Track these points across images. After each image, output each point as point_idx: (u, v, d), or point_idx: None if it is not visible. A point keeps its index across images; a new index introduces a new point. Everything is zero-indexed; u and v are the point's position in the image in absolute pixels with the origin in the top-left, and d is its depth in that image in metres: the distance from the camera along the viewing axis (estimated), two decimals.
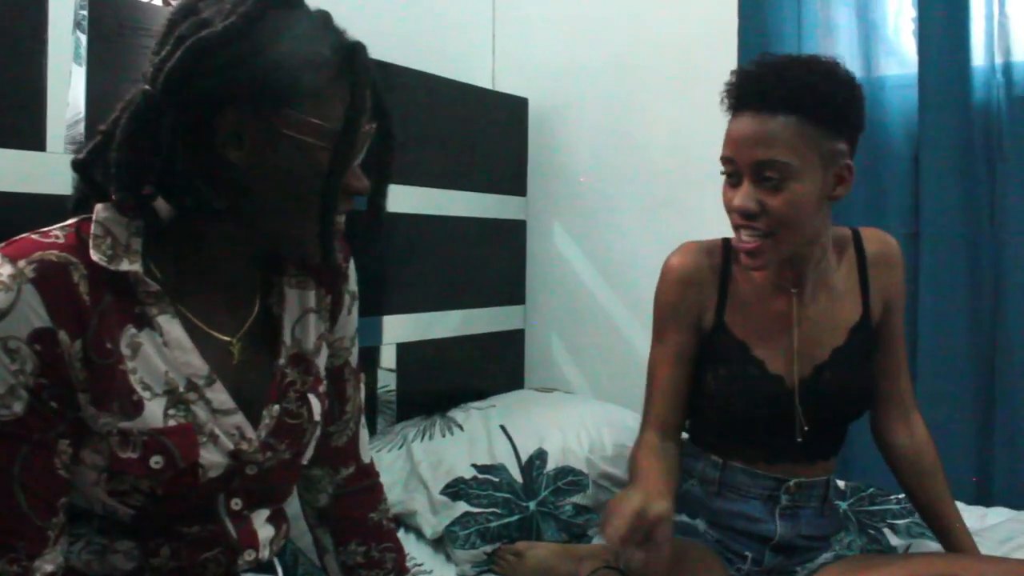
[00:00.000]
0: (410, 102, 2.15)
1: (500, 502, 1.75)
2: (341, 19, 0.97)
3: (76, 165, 0.94)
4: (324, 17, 0.95)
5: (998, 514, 1.85)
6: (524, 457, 1.85)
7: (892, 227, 1.98)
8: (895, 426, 1.56)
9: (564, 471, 1.86)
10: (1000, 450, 1.96)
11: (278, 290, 1.08)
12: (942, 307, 2.00)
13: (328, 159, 0.92)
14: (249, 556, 1.05)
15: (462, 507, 1.73)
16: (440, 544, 1.73)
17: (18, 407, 0.87)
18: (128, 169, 0.89)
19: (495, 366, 2.52)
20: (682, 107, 2.38)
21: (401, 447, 1.90)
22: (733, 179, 1.38)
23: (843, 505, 1.83)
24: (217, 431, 0.98)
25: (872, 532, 1.74)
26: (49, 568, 0.90)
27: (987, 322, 1.98)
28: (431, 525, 1.73)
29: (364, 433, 1.26)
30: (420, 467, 1.82)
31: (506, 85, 2.60)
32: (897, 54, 2.10)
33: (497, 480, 1.80)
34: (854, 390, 1.51)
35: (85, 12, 1.51)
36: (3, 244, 0.89)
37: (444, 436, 1.93)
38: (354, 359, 1.22)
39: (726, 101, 1.40)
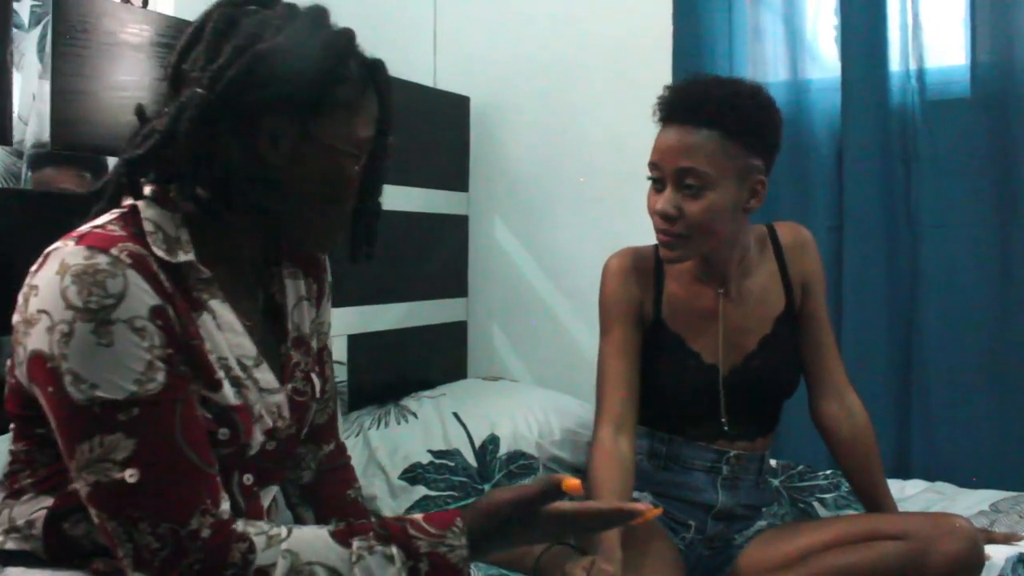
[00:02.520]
0: None
1: (457, 485, 1.83)
2: None
3: (134, 161, 0.99)
4: (351, 35, 1.04)
5: (915, 485, 2.01)
6: (477, 442, 1.94)
7: (817, 221, 2.14)
8: (831, 407, 1.68)
9: (515, 455, 1.95)
10: (916, 426, 2.12)
11: (278, 279, 1.16)
12: (863, 295, 2.15)
13: (354, 164, 1.03)
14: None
15: (421, 491, 1.81)
16: None
17: (161, 376, 0.91)
18: (194, 167, 0.97)
19: (439, 357, 2.59)
20: (619, 108, 2.48)
21: (358, 435, 1.96)
22: (658, 184, 1.52)
23: (775, 482, 1.96)
24: (263, 411, 1.05)
25: (802, 506, 1.87)
26: (227, 507, 0.94)
27: (904, 309, 2.14)
28: (391, 509, 1.79)
29: (339, 412, 1.33)
30: (378, 453, 1.88)
31: (448, 84, 2.66)
32: (821, 59, 2.25)
33: (453, 464, 1.87)
34: (781, 375, 1.64)
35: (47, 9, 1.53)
36: (72, 239, 0.93)
37: (399, 424, 2.00)
38: (331, 342, 1.29)
39: (658, 112, 1.53)
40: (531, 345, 2.65)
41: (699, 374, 1.61)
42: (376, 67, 1.04)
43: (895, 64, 2.13)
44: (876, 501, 1.65)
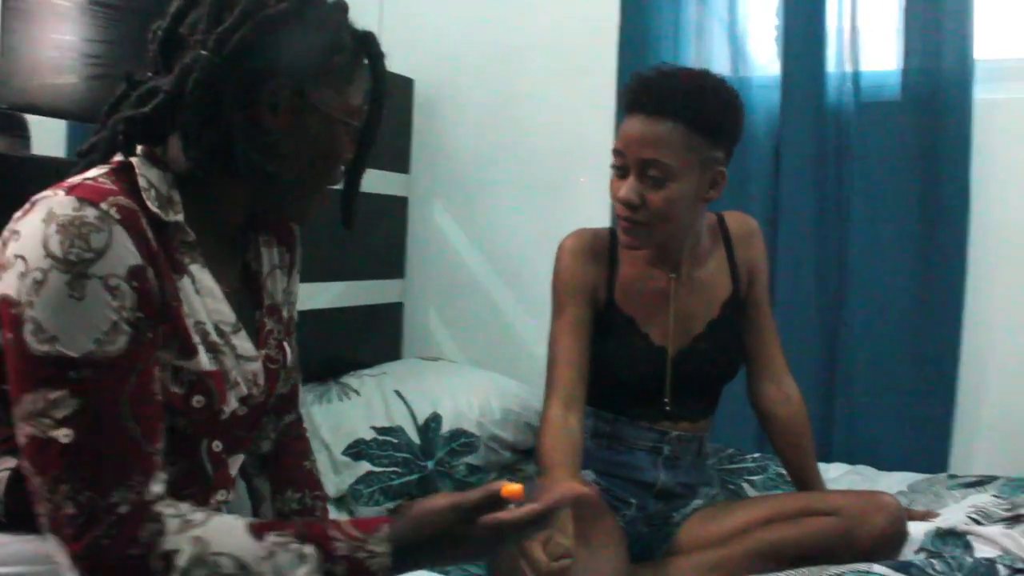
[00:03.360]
0: None
1: (400, 462, 1.85)
2: None
3: (140, 119, 0.99)
4: (345, 6, 1.07)
5: (838, 468, 2.10)
6: (420, 420, 1.96)
7: (754, 212, 2.18)
8: (769, 391, 1.75)
9: (457, 433, 1.98)
10: (839, 411, 2.22)
11: (255, 247, 1.16)
12: (794, 285, 2.24)
13: (347, 132, 1.06)
14: (220, 496, 1.10)
15: (365, 466, 1.82)
16: (342, 502, 1.81)
17: (122, 341, 0.90)
18: (198, 128, 0.97)
19: (374, 337, 2.59)
20: (564, 96, 2.53)
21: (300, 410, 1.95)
22: (621, 172, 1.56)
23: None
24: (239, 377, 1.05)
25: (732, 487, 1.94)
26: (159, 489, 0.92)
27: (832, 299, 2.24)
28: (334, 484, 1.80)
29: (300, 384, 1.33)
30: (321, 430, 1.88)
31: (392, 65, 2.64)
32: (762, 58, 2.33)
33: (396, 441, 1.89)
34: (726, 358, 1.71)
35: None
36: (63, 189, 0.92)
37: (341, 400, 2.00)
38: (295, 313, 1.29)
39: (623, 100, 1.57)
40: (467, 328, 2.67)
41: (648, 355, 1.66)
42: (369, 39, 1.08)
43: (832, 66, 2.22)
44: (807, 481, 1.73)
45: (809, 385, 2.18)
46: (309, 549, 0.93)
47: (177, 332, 0.98)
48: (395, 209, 2.65)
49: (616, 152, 1.55)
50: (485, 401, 2.08)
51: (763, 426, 1.79)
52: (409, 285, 2.71)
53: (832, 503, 1.60)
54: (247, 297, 1.14)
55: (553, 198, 2.55)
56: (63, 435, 0.88)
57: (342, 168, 1.11)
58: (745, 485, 1.97)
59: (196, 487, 1.06)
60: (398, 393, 2.01)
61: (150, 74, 1.04)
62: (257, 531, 0.93)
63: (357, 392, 2.03)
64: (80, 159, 1.06)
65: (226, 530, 0.93)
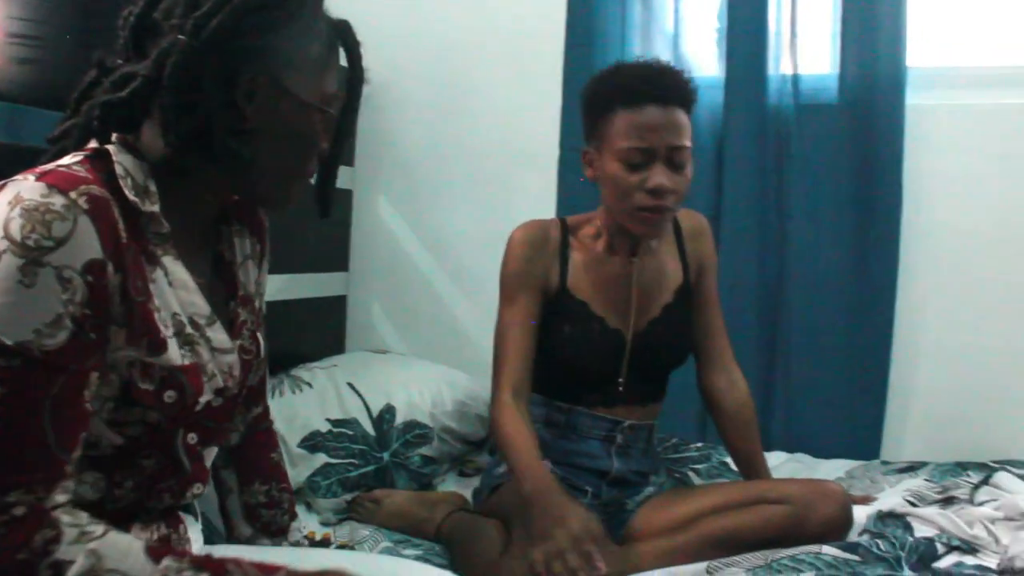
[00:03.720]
0: None
1: (357, 453, 1.86)
2: None
3: (116, 103, 0.97)
4: None
5: (777, 457, 2.17)
6: (375, 411, 1.96)
7: (697, 208, 2.25)
8: (718, 380, 1.83)
9: (411, 425, 1.99)
10: (778, 401, 2.30)
11: (227, 238, 1.16)
12: (737, 277, 2.31)
13: (322, 119, 1.06)
14: (197, 489, 1.11)
15: (322, 458, 1.82)
16: (299, 495, 1.80)
17: (62, 336, 0.88)
18: (176, 113, 0.96)
19: (318, 330, 2.58)
20: (509, 92, 2.56)
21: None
22: (639, 165, 1.60)
23: None
24: (215, 369, 1.05)
25: (678, 475, 2.00)
26: (62, 498, 0.89)
27: (772, 292, 2.33)
28: (291, 477, 1.77)
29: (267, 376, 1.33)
30: (276, 423, 1.86)
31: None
32: (706, 58, 2.40)
33: (352, 433, 1.89)
34: (679, 341, 1.78)
35: None
36: (34, 174, 0.91)
37: (294, 393, 1.99)
38: (264, 304, 1.29)
39: (625, 92, 1.62)
40: (411, 321, 2.69)
41: (603, 337, 1.72)
42: (344, 27, 1.08)
43: (773, 69, 2.29)
44: (754, 467, 1.80)
45: (749, 376, 2.21)
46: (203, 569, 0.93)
47: (145, 328, 0.97)
48: (339, 202, 2.63)
49: (636, 148, 1.59)
50: (436, 393, 2.10)
51: (711, 415, 1.86)
52: (353, 278, 2.70)
53: (782, 491, 1.66)
54: (220, 288, 1.13)
55: (498, 192, 2.58)
56: None
57: (318, 156, 1.10)
58: (690, 473, 2.03)
59: (173, 480, 1.06)
60: (351, 385, 2.01)
61: (120, 60, 1.03)
62: (154, 554, 0.91)
63: (309, 385, 2.02)
64: (51, 145, 1.03)
65: (123, 548, 0.91)
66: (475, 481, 2.04)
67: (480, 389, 2.19)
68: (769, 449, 2.22)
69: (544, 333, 1.71)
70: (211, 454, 1.13)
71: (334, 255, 2.65)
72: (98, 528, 0.90)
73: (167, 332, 0.99)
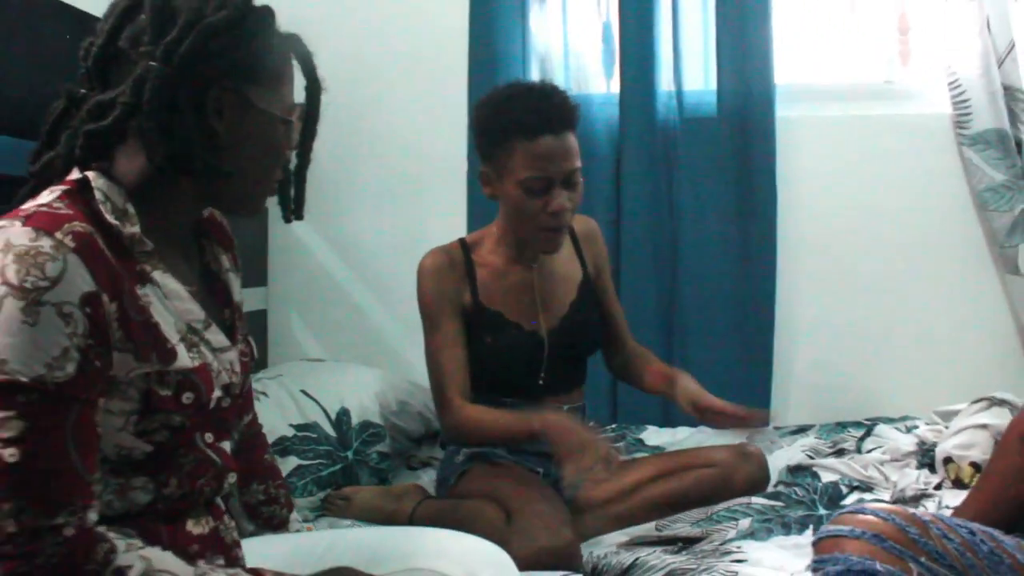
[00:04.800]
0: None
1: (324, 454, 1.98)
2: None
3: (99, 132, 1.03)
4: (272, 11, 1.13)
5: (683, 431, 2.43)
6: (332, 415, 2.09)
7: (598, 213, 2.49)
8: (623, 359, 2.07)
9: (366, 425, 2.13)
10: None
11: (210, 250, 1.23)
12: (635, 274, 2.56)
13: (285, 128, 1.12)
14: (231, 478, 1.18)
15: (293, 461, 1.93)
16: None
17: (71, 368, 0.93)
18: (160, 137, 1.01)
19: None
20: (415, 114, 2.71)
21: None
22: (539, 192, 1.76)
23: None
24: (219, 367, 1.11)
25: None
26: (95, 516, 0.95)
27: (667, 284, 2.58)
28: None
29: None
30: None
31: None
32: (601, 77, 2.65)
33: (315, 436, 2.02)
34: (591, 331, 1.98)
35: None
36: (15, 218, 0.96)
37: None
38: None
39: (520, 125, 1.75)
40: (330, 332, 2.79)
41: (521, 340, 1.89)
42: (295, 39, 1.15)
43: (662, 85, 2.55)
44: (672, 378, 1.96)
45: None
46: (237, 572, 1.03)
47: (153, 342, 1.02)
48: (256, 218, 2.72)
49: (535, 176, 1.74)
50: (382, 394, 2.24)
51: (631, 382, 2.08)
52: (272, 292, 2.79)
53: (709, 457, 1.92)
54: (209, 297, 1.18)
55: (409, 204, 2.73)
56: (9, 454, 0.90)
57: (283, 163, 1.16)
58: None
59: (209, 474, 1.12)
60: (305, 392, 2.12)
61: (84, 90, 1.07)
62: (187, 558, 1.00)
63: (265, 394, 2.11)
64: (33, 177, 1.08)
65: (162, 553, 0.98)
66: (422, 473, 2.21)
67: (416, 390, 2.36)
68: (674, 425, 2.49)
69: (469, 346, 1.86)
70: (228, 448, 1.19)
71: (253, 270, 2.72)
72: (136, 540, 0.98)
73: (173, 340, 1.05)
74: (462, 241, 1.95)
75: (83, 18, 1.80)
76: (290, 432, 2.00)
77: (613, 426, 2.47)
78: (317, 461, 1.96)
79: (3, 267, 0.92)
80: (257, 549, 1.22)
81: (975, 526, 1.09)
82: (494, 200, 1.87)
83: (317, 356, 2.75)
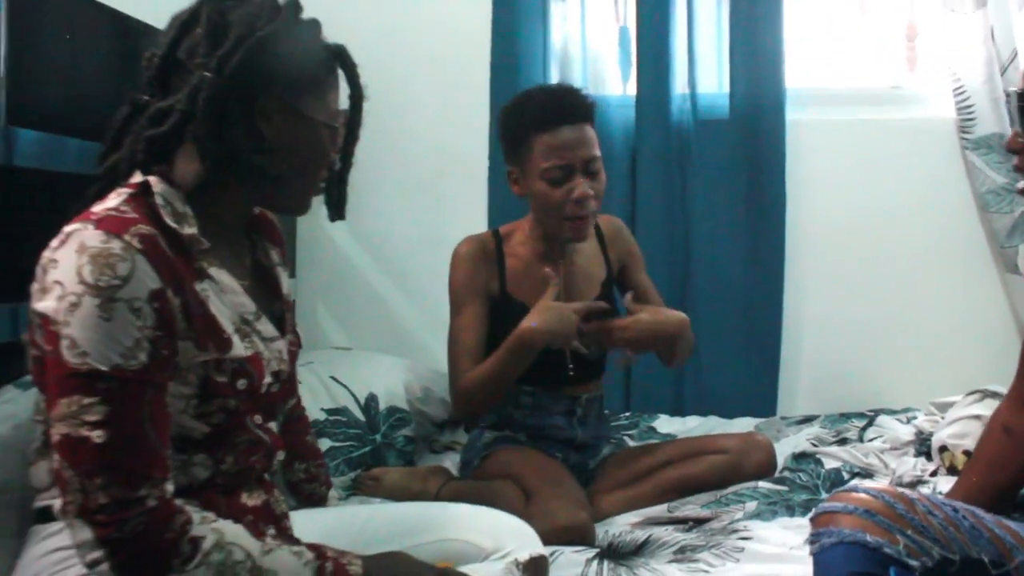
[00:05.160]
0: None
1: (354, 436, 2.10)
2: None
3: (159, 138, 1.12)
4: (319, 24, 1.24)
5: (693, 420, 2.53)
6: (361, 400, 2.21)
7: (615, 212, 2.58)
8: None
9: (393, 410, 2.25)
10: (689, 372, 2.61)
11: (261, 246, 1.33)
12: (650, 270, 2.55)
13: (330, 133, 1.21)
14: (280, 456, 1.30)
15: (327, 443, 2.05)
16: None
17: (143, 356, 1.03)
18: (212, 141, 1.11)
19: None
20: (438, 113, 2.80)
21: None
22: (560, 180, 1.87)
23: None
24: (270, 356, 1.22)
25: (615, 440, 2.34)
26: (172, 488, 1.06)
27: (680, 280, 2.67)
28: None
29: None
30: None
31: None
32: (618, 80, 2.75)
33: (346, 420, 2.14)
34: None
35: None
36: (87, 221, 1.05)
37: None
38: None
39: (538, 119, 1.88)
40: (356, 322, 2.90)
41: None
42: (341, 51, 1.23)
43: (676, 88, 2.64)
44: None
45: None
46: (302, 548, 1.11)
47: (211, 333, 1.12)
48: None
49: (555, 166, 1.86)
50: (407, 381, 2.36)
51: None
52: (300, 283, 2.90)
53: (720, 445, 2.02)
54: (260, 290, 1.28)
55: (433, 201, 2.82)
56: (96, 435, 1.00)
57: (328, 166, 1.25)
58: (626, 439, 2.36)
59: (260, 452, 1.23)
60: (335, 379, 2.23)
61: (146, 97, 1.16)
62: (255, 531, 1.10)
63: (299, 381, 2.24)
64: (102, 178, 1.18)
65: (232, 526, 1.08)
66: (445, 456, 2.33)
67: (437, 377, 2.47)
68: (684, 414, 2.59)
69: (495, 334, 1.95)
70: (275, 429, 1.30)
71: None
72: (210, 513, 1.08)
73: (229, 331, 1.15)
74: (495, 231, 2.06)
75: (117, 18, 1.89)
76: (322, 416, 2.11)
77: (627, 414, 2.57)
78: (348, 443, 2.08)
79: (79, 268, 1.02)
80: (300, 521, 1.33)
81: (958, 504, 1.19)
82: (523, 198, 1.98)
83: (343, 345, 2.86)
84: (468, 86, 2.78)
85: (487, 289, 1.98)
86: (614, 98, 2.72)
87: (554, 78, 2.72)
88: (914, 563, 1.09)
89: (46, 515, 1.14)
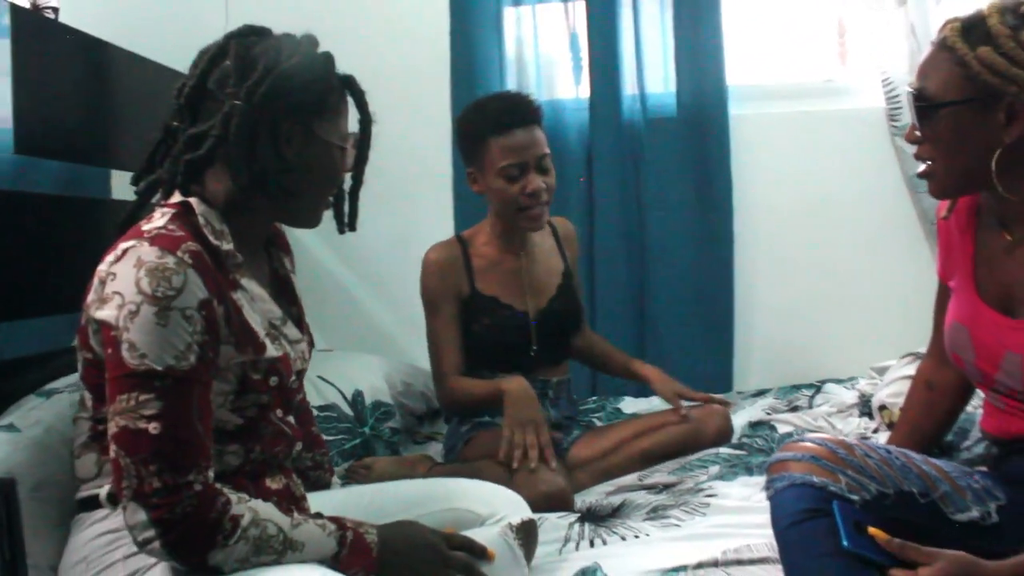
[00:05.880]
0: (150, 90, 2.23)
1: (344, 430, 2.25)
2: None
3: (197, 161, 1.24)
4: (332, 56, 1.37)
5: (656, 400, 2.63)
6: (348, 396, 2.35)
7: (573, 209, 2.76)
8: (577, 342, 2.34)
9: (378, 404, 2.40)
10: (649, 354, 2.72)
11: (276, 256, 1.47)
12: (609, 262, 2.83)
13: (343, 155, 1.34)
14: (299, 446, 1.44)
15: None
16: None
17: (193, 358, 1.16)
18: (244, 163, 1.23)
19: None
20: (404, 120, 2.86)
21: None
22: (515, 177, 2.06)
23: None
24: (295, 356, 1.37)
25: (585, 423, 2.50)
26: (213, 474, 1.19)
27: (637, 270, 2.84)
28: None
29: None
30: None
31: None
32: (571, 84, 2.90)
33: (335, 415, 2.28)
34: (574, 311, 2.28)
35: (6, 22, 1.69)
36: (141, 239, 1.18)
37: None
38: None
39: (494, 123, 2.07)
40: (332, 325, 3.00)
41: (514, 320, 2.18)
42: (350, 80, 1.37)
43: (627, 89, 2.80)
44: (631, 369, 2.31)
45: (623, 335, 2.75)
46: (324, 521, 1.24)
47: (248, 338, 1.25)
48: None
49: (511, 164, 2.05)
50: (388, 377, 2.51)
51: (587, 364, 2.42)
52: None
53: (679, 416, 2.19)
54: (279, 297, 1.41)
55: (401, 206, 2.92)
56: (152, 427, 1.13)
57: (339, 184, 1.38)
58: (595, 421, 2.53)
59: (283, 443, 1.37)
60: (322, 378, 2.37)
61: (176, 123, 1.29)
62: (283, 509, 1.23)
63: None
64: (142, 197, 1.31)
65: (264, 505, 1.21)
66: (427, 446, 2.48)
67: (416, 372, 2.63)
68: (647, 395, 2.74)
69: (468, 328, 2.16)
70: (293, 422, 1.42)
71: None
72: (244, 495, 1.20)
73: (261, 335, 1.28)
74: (459, 237, 2.24)
75: (90, 42, 1.98)
76: (313, 412, 2.24)
77: (594, 398, 2.72)
78: (339, 436, 2.22)
79: (138, 280, 1.15)
80: (313, 503, 1.45)
81: (892, 447, 1.38)
82: (482, 195, 2.16)
83: (322, 347, 2.98)
84: (431, 93, 2.91)
85: (457, 292, 2.16)
86: (568, 101, 2.88)
87: (510, 83, 2.87)
88: (855, 498, 1.26)
89: (91, 504, 1.27)
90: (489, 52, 2.87)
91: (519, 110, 2.10)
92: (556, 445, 2.18)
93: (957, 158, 1.33)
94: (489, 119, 2.09)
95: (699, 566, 1.45)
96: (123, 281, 1.17)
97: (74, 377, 1.59)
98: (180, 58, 2.01)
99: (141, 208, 1.31)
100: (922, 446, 1.49)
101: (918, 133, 1.36)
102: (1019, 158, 1.29)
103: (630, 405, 2.65)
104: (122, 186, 2.28)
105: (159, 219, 1.24)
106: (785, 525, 1.26)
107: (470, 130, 2.13)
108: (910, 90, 1.35)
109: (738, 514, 1.65)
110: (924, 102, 1.33)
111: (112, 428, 1.16)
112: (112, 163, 2.18)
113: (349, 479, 2.18)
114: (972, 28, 1.29)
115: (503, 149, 2.07)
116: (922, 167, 1.39)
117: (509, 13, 2.88)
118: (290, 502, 1.35)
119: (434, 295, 2.16)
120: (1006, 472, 1.41)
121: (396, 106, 2.96)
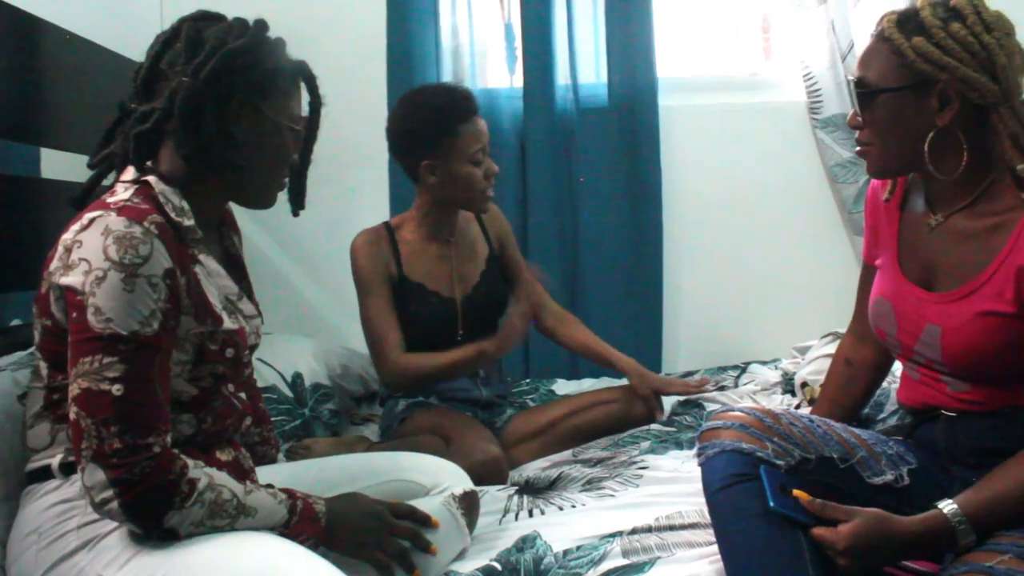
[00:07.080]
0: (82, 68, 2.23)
1: (284, 411, 2.26)
2: None
3: (144, 133, 1.28)
4: (283, 41, 1.41)
5: (589, 382, 2.76)
6: (288, 378, 2.37)
7: (507, 196, 2.81)
8: (547, 319, 2.42)
9: (317, 386, 2.42)
10: None
11: (227, 235, 1.51)
12: (542, 248, 2.88)
13: (292, 135, 1.39)
14: (248, 421, 1.48)
15: None
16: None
17: (156, 325, 1.20)
18: (186, 136, 1.27)
19: None
20: (342, 109, 2.90)
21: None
22: (480, 161, 2.15)
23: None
24: (249, 331, 1.42)
25: (518, 403, 2.56)
26: (170, 439, 1.23)
27: (570, 255, 2.92)
28: None
29: None
30: None
31: None
32: (505, 73, 2.96)
33: (276, 397, 2.29)
34: (499, 297, 2.30)
35: None
36: (107, 210, 1.21)
37: None
38: None
39: (459, 111, 2.14)
40: (268, 308, 2.98)
41: (441, 306, 2.23)
42: (303, 65, 1.43)
43: (560, 79, 2.86)
44: (603, 352, 2.38)
45: None
46: (275, 490, 1.29)
47: (206, 310, 1.30)
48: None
49: (479, 148, 2.14)
50: (325, 359, 2.54)
51: (560, 343, 2.44)
52: None
53: (610, 396, 2.30)
54: (232, 274, 1.45)
55: (336, 191, 2.93)
56: (115, 389, 1.16)
57: (290, 165, 1.42)
58: (528, 401, 2.59)
59: (233, 416, 1.41)
60: (261, 360, 2.38)
61: (133, 104, 1.33)
62: (236, 477, 1.27)
63: None
64: (96, 168, 1.34)
65: (218, 472, 1.25)
66: (365, 427, 2.51)
67: (352, 354, 2.66)
68: (581, 378, 2.82)
69: (399, 314, 2.19)
70: (244, 397, 1.48)
71: None
72: (200, 461, 1.24)
73: (218, 308, 1.33)
74: (387, 224, 2.28)
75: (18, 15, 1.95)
76: (259, 389, 2.26)
77: (528, 380, 2.79)
78: (280, 418, 2.24)
79: (105, 247, 1.19)
80: (261, 476, 1.49)
81: (815, 416, 1.47)
82: (433, 186, 2.18)
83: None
84: (366, 81, 2.92)
85: (388, 272, 2.20)
86: (503, 90, 2.93)
87: (446, 72, 2.91)
88: (780, 463, 1.35)
89: (43, 474, 1.29)
90: (425, 40, 2.89)
91: (471, 98, 2.18)
92: (489, 425, 2.26)
93: (894, 140, 1.42)
94: (458, 108, 2.14)
95: (633, 532, 1.52)
96: (90, 248, 1.20)
97: (11, 357, 1.61)
98: (113, 36, 1.99)
99: (96, 183, 1.34)
100: (842, 419, 1.59)
101: (859, 119, 1.45)
102: (950, 141, 1.38)
103: (562, 387, 2.72)
104: (51, 164, 2.29)
105: (123, 192, 1.28)
106: (716, 488, 1.34)
107: (436, 121, 2.14)
108: (851, 79, 1.44)
109: (670, 484, 1.73)
110: (864, 89, 1.42)
111: (74, 390, 1.18)
112: (42, 141, 2.17)
113: (290, 459, 2.21)
114: (907, 20, 1.38)
115: (473, 135, 2.14)
116: (859, 148, 1.48)
117: (445, 2, 2.91)
118: (239, 474, 1.38)
119: (367, 277, 2.18)
120: (917, 437, 1.51)
121: (332, 93, 2.94)
